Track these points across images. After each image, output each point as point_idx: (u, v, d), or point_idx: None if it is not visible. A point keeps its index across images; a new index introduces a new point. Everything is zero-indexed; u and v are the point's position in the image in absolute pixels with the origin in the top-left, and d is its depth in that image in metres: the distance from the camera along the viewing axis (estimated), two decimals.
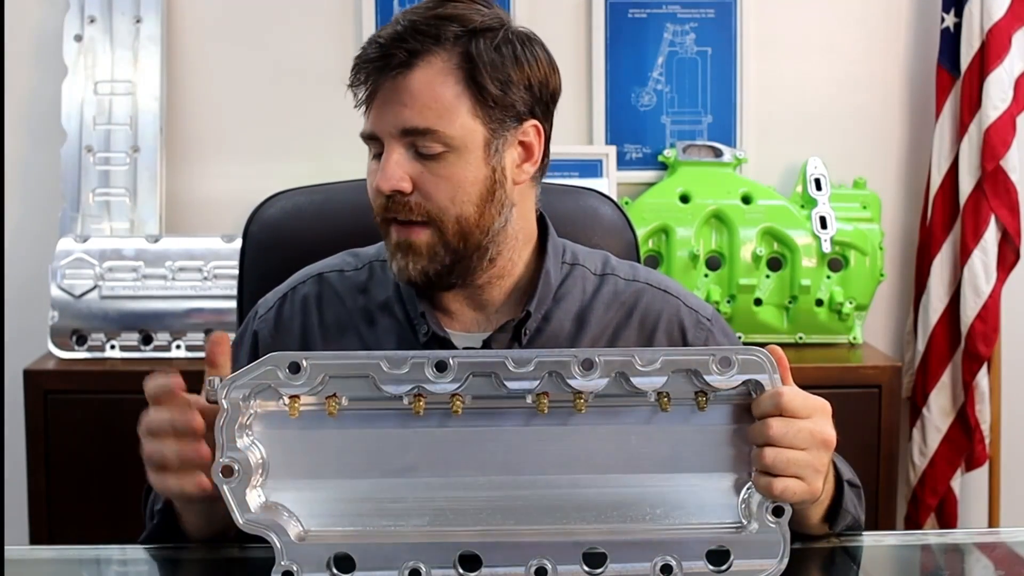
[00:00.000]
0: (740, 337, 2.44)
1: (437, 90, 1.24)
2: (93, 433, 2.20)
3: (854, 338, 2.48)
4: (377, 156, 1.28)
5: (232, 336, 1.37)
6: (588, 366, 1.06)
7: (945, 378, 2.55)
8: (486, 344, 1.32)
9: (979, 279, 2.49)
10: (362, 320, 1.36)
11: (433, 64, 1.24)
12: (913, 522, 2.57)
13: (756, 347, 1.08)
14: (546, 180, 1.37)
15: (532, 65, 1.28)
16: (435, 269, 1.27)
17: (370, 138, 1.28)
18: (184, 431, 1.09)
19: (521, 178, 1.31)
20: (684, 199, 2.47)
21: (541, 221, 1.38)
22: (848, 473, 1.25)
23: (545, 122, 1.32)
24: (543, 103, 1.31)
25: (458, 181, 1.25)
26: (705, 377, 1.06)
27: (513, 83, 1.27)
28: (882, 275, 2.49)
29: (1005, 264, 2.51)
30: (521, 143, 1.30)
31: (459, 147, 1.25)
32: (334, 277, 1.39)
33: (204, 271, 2.31)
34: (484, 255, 1.30)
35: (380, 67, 1.24)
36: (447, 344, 1.31)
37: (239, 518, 1.05)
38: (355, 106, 1.29)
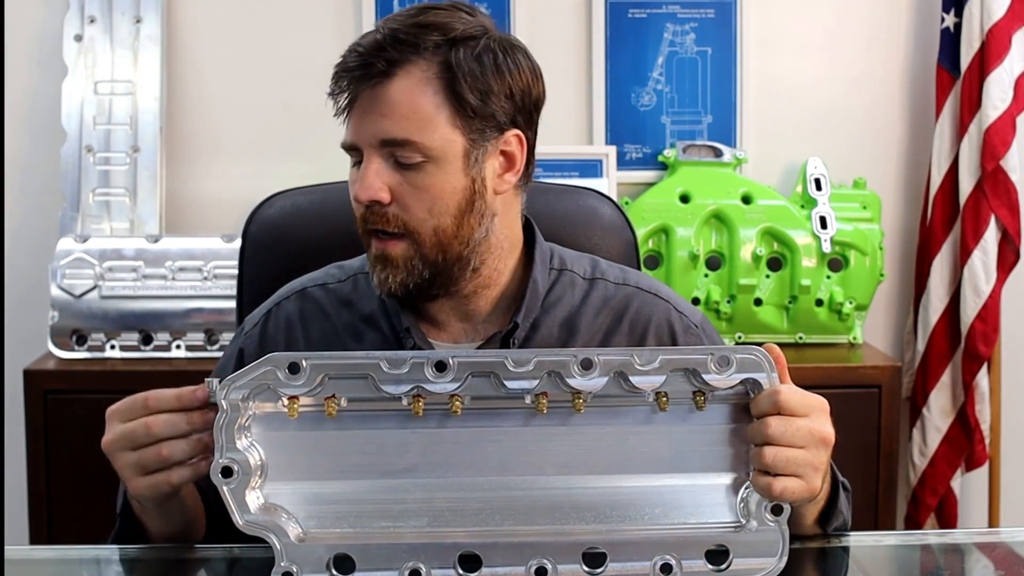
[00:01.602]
0: (740, 337, 2.44)
1: (416, 100, 1.23)
2: (93, 433, 2.17)
3: (854, 338, 2.48)
4: (357, 165, 1.28)
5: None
6: (587, 365, 1.06)
7: (945, 378, 2.55)
8: None
9: (979, 279, 2.48)
10: (348, 335, 1.34)
11: (412, 74, 1.23)
12: (913, 522, 2.56)
13: (754, 346, 1.08)
14: (546, 180, 1.37)
15: (514, 74, 1.27)
16: (414, 281, 1.26)
17: (350, 148, 1.28)
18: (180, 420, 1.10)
19: (502, 188, 1.29)
20: (684, 199, 2.47)
21: (528, 227, 1.37)
22: (838, 474, 1.25)
23: (528, 130, 1.31)
24: (526, 111, 1.29)
25: (436, 192, 1.24)
26: (703, 376, 1.07)
27: (494, 93, 1.26)
28: (882, 275, 2.49)
29: (1005, 264, 2.51)
30: (503, 152, 1.29)
31: (438, 158, 1.24)
32: (318, 292, 1.38)
33: (204, 271, 2.31)
34: (466, 266, 1.29)
35: (359, 76, 1.24)
36: None
37: (239, 519, 1.05)
38: (334, 115, 1.28)
